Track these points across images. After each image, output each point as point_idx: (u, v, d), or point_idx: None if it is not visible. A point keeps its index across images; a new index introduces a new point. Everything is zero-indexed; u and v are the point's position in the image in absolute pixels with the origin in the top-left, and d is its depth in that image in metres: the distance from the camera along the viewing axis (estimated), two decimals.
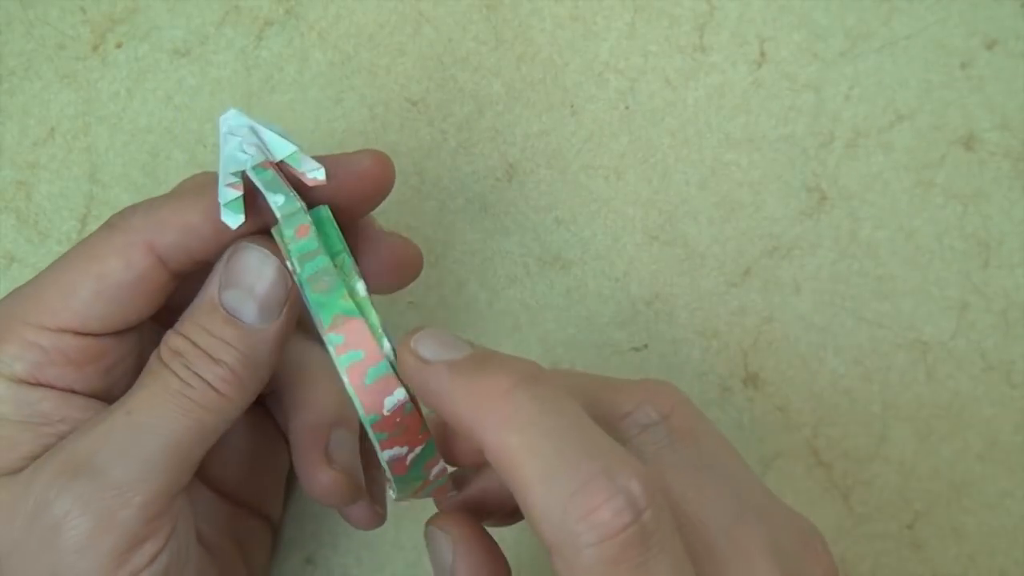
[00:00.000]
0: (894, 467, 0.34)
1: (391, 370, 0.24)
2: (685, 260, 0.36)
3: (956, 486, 0.34)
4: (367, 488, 0.30)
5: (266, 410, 0.32)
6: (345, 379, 0.24)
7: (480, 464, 0.27)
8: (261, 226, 0.27)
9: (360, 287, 0.25)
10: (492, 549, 0.25)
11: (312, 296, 0.25)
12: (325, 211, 0.27)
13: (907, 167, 0.36)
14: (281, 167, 0.26)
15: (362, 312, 0.25)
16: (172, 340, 0.26)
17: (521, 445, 0.21)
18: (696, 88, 0.37)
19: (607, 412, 0.25)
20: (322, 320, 0.24)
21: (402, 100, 0.38)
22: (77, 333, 0.26)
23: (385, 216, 0.37)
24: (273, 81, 0.38)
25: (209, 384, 0.25)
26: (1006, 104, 0.36)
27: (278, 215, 0.25)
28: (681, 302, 0.36)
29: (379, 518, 0.31)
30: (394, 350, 0.24)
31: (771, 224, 0.36)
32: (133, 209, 0.27)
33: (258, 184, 0.25)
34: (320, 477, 0.28)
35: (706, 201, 0.36)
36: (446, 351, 0.23)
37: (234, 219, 0.26)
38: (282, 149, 0.26)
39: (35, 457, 0.25)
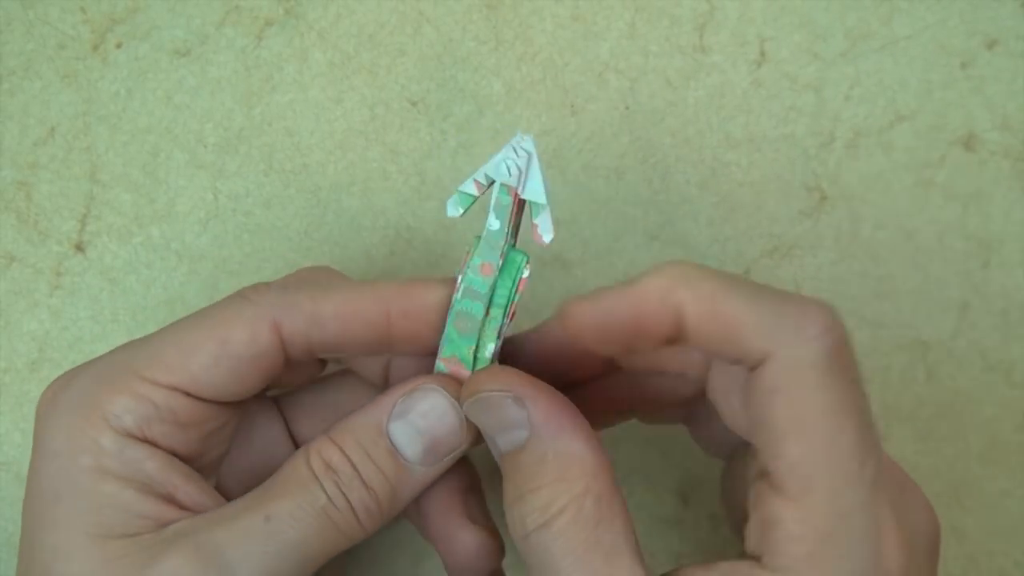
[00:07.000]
0: None
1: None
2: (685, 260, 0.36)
3: (956, 486, 0.34)
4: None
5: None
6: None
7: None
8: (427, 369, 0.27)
9: (490, 349, 0.27)
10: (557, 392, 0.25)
11: (449, 326, 0.27)
12: (522, 259, 0.27)
13: (907, 167, 0.36)
14: (521, 207, 0.27)
15: (474, 368, 0.27)
16: (327, 451, 0.26)
17: (726, 299, 0.23)
18: (696, 88, 0.37)
19: None
20: (442, 348, 0.27)
21: (402, 100, 0.38)
22: (188, 395, 0.26)
23: (385, 217, 0.37)
24: (273, 81, 0.38)
25: (353, 510, 0.26)
26: (1006, 104, 0.36)
27: (483, 234, 0.27)
28: None
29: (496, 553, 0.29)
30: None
31: (771, 224, 0.36)
32: (268, 285, 0.27)
33: (493, 198, 0.27)
34: (465, 537, 0.28)
35: (706, 201, 0.36)
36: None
37: (454, 209, 0.27)
38: (535, 194, 0.26)
39: (145, 518, 0.25)
